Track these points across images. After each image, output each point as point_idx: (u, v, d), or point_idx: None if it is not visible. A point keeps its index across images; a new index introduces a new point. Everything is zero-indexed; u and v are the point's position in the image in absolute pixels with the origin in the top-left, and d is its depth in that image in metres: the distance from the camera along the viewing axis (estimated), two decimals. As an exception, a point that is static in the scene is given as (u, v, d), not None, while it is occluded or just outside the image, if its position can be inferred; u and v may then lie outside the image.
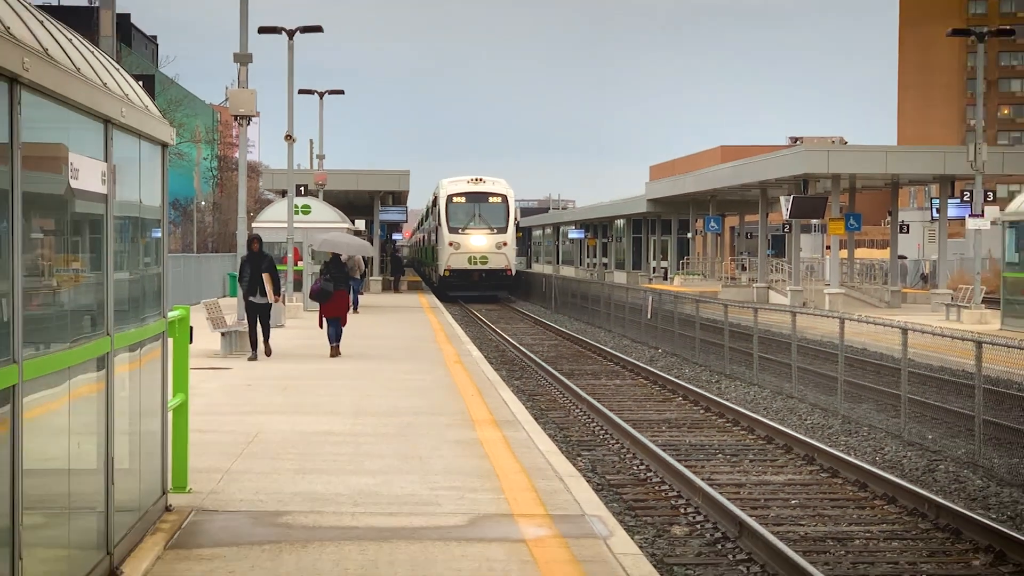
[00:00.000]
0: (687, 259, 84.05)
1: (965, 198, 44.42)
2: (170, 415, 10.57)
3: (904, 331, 20.55)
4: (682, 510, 13.97)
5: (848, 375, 23.26)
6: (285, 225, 40.74)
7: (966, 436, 18.62)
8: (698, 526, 13.18)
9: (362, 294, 44.90)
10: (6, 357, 6.18)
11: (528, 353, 32.95)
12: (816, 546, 12.36)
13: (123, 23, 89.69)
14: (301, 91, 55.74)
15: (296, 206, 42.48)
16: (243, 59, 33.48)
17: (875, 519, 13.58)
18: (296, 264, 41.45)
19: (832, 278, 53.39)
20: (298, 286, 41.09)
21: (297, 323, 34.70)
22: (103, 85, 8.02)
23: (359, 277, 44.74)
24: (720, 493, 14.02)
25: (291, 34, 41.87)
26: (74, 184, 7.43)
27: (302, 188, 50.56)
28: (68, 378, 7.36)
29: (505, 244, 62.45)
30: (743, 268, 75.10)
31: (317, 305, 26.04)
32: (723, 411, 21.55)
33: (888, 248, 63.69)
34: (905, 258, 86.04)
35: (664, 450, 17.05)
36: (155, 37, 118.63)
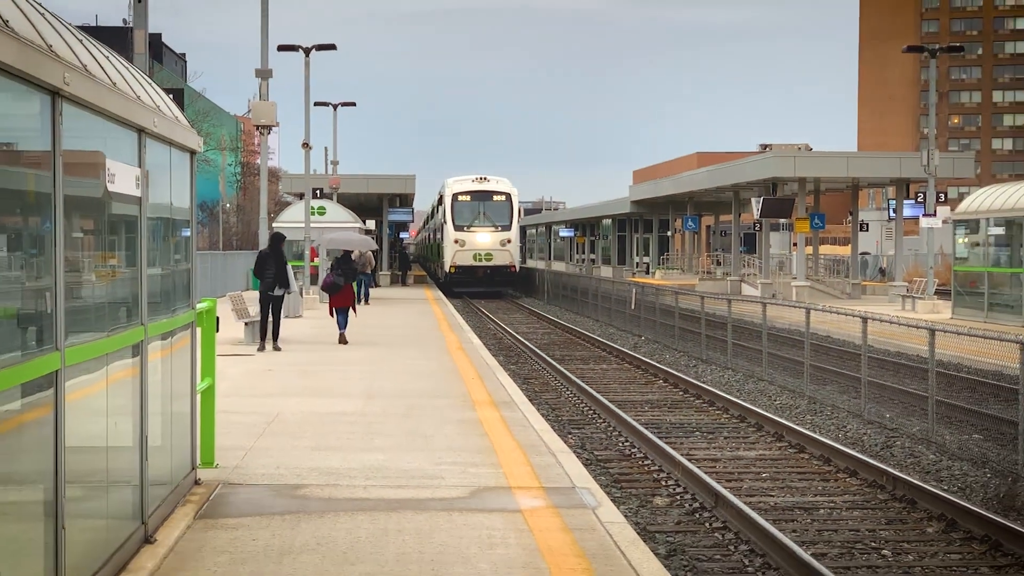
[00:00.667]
0: (667, 255, 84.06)
1: (919, 199, 44.36)
2: (199, 397, 10.56)
3: (864, 320, 20.55)
4: (663, 483, 13.96)
5: (813, 360, 23.26)
6: (303, 225, 40.97)
7: (920, 415, 18.62)
8: (678, 497, 13.17)
9: (376, 287, 44.84)
10: (50, 345, 6.17)
11: (523, 341, 32.91)
12: (784, 515, 12.36)
13: (155, 42, 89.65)
14: (317, 103, 55.69)
15: (312, 207, 42.58)
16: (264, 74, 33.85)
17: (838, 490, 13.58)
18: (313, 260, 41.48)
19: (799, 272, 53.42)
20: (315, 280, 41.08)
21: (313, 314, 34.67)
22: (136, 98, 8.00)
23: (369, 272, 44.79)
24: (698, 467, 14.02)
25: (307, 52, 41.86)
26: (111, 188, 7.42)
27: (318, 191, 50.47)
28: (106, 364, 7.35)
29: (509, 241, 59.20)
30: (718, 263, 75.05)
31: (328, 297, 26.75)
32: (700, 393, 21.54)
33: (849, 245, 63.71)
34: (869, 254, 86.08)
35: (647, 428, 17.05)
36: (184, 55, 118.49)
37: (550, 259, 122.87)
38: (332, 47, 42.43)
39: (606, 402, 19.56)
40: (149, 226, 8.35)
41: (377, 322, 32.19)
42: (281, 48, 41.27)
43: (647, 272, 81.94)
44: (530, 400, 17.94)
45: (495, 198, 59.86)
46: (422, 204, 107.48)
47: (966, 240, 37.21)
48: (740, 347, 28.12)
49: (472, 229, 59.12)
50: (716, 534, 11.53)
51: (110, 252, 7.84)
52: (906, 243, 61.27)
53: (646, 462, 15.21)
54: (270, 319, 23.95)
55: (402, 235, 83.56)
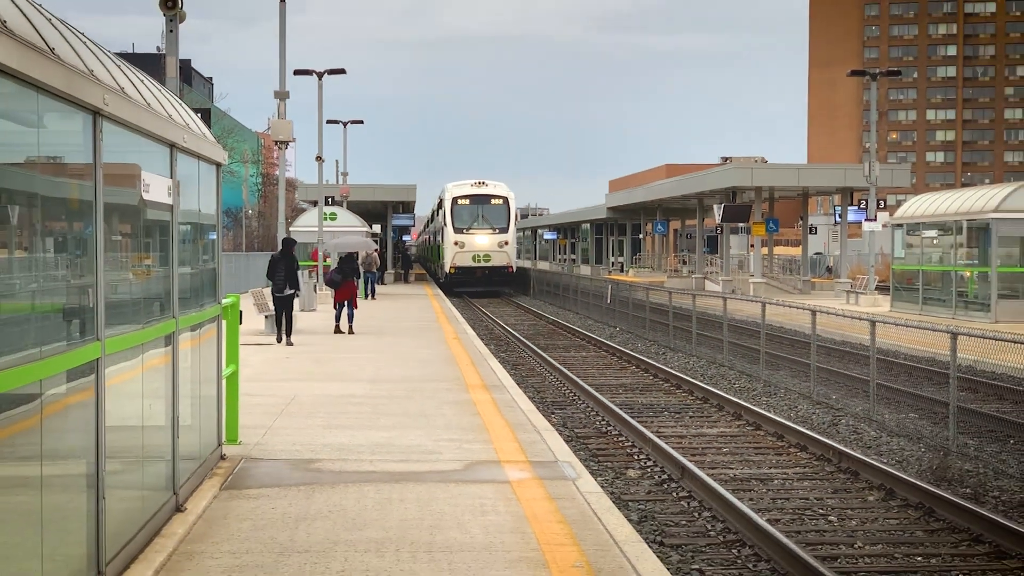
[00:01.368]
0: (639, 255, 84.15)
1: (862, 206, 44.38)
2: (224, 382, 10.55)
3: (813, 312, 20.58)
4: (636, 457, 13.97)
5: (768, 348, 23.28)
6: (316, 229, 41.04)
7: (863, 397, 18.66)
8: (648, 469, 13.17)
9: (383, 283, 44.71)
10: (91, 336, 6.17)
11: (512, 331, 32.89)
12: (743, 485, 12.37)
13: (185, 67, 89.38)
14: (329, 121, 55.62)
15: (325, 214, 42.61)
16: (282, 95, 33.93)
17: (790, 463, 13.60)
18: (325, 260, 41.50)
19: (756, 270, 53.48)
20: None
21: (326, 308, 34.59)
22: (168, 116, 7.98)
23: (376, 271, 44.78)
24: (666, 443, 14.02)
25: (320, 75, 41.75)
26: (146, 196, 7.41)
27: (330, 199, 50.41)
28: (142, 352, 7.34)
29: (507, 243, 55.90)
30: (684, 262, 75.12)
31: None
32: (668, 377, 21.55)
33: (800, 246, 63.76)
34: (819, 254, 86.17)
35: (621, 408, 17.05)
36: (211, 78, 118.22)
37: (536, 259, 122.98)
38: (342, 71, 42.31)
39: (585, 386, 19.56)
40: (180, 230, 8.34)
41: (383, 315, 32.19)
42: (297, 72, 41.14)
43: (622, 270, 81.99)
44: (518, 384, 17.94)
45: (493, 201, 56.96)
46: (422, 210, 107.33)
47: (903, 242, 37.31)
48: (703, 337, 28.14)
49: (471, 231, 56.21)
50: (682, 502, 11.54)
51: (145, 253, 7.83)
52: (850, 245, 61.34)
53: (620, 439, 15.21)
54: (284, 316, 23.97)
55: (404, 238, 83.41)
